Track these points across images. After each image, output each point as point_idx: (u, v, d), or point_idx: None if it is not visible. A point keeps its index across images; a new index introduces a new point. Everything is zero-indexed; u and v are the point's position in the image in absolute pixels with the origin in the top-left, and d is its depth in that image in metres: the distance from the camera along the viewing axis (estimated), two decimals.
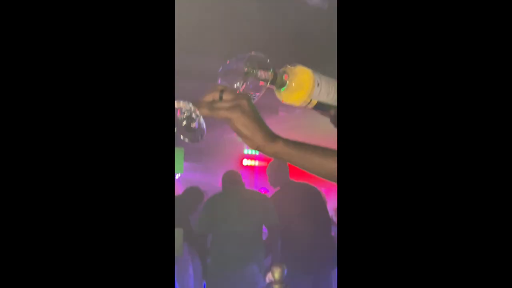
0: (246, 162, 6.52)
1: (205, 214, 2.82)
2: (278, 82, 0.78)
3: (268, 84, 0.77)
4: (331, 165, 0.73)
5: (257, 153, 6.35)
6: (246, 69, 0.74)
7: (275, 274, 1.82)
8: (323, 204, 2.98)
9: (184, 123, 0.70)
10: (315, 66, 0.89)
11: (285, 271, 1.89)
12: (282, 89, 0.80)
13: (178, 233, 2.79)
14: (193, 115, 0.70)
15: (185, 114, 0.69)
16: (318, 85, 0.82)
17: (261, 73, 0.75)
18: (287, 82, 0.80)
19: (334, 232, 3.16)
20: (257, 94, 0.77)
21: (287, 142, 0.72)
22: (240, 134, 0.70)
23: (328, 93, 0.83)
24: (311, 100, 0.82)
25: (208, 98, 0.70)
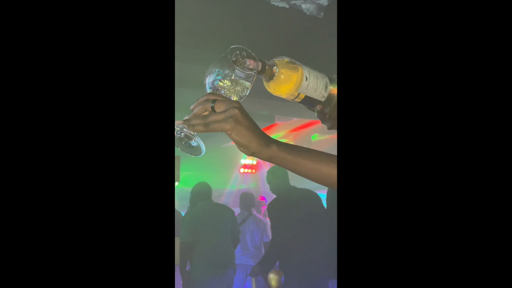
0: (243, 170, 6.54)
1: (185, 225, 3.20)
2: (267, 73, 0.79)
3: (256, 73, 0.77)
4: (325, 170, 0.73)
5: (255, 162, 6.36)
6: (234, 58, 0.74)
7: (272, 281, 1.82)
8: (323, 210, 2.94)
9: (183, 142, 0.73)
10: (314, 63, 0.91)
11: (282, 279, 1.88)
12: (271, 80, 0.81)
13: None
14: (189, 135, 0.72)
15: (182, 134, 0.72)
16: (306, 79, 0.83)
17: (250, 62, 0.75)
18: (276, 74, 0.80)
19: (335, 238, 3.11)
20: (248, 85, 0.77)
21: (281, 146, 0.73)
22: (236, 142, 0.71)
23: (316, 88, 0.85)
24: (298, 94, 0.84)
25: (200, 111, 0.71)
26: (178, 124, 0.70)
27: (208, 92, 0.75)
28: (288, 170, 0.75)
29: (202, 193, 3.39)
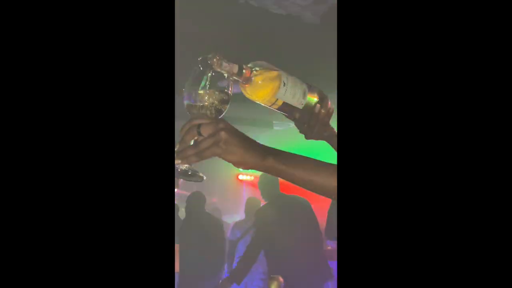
0: (241, 177, 6.51)
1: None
2: (244, 76, 0.77)
3: (232, 75, 0.76)
4: (321, 181, 0.72)
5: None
6: (209, 61, 0.73)
7: (272, 286, 1.82)
8: (313, 217, 2.94)
9: (184, 175, 0.75)
10: (310, 79, 0.90)
11: (283, 285, 1.88)
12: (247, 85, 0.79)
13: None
14: (187, 168, 0.75)
15: (179, 170, 0.74)
16: (284, 84, 0.81)
17: (226, 65, 0.74)
18: (253, 78, 0.78)
19: (325, 245, 3.13)
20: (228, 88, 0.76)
21: (278, 157, 0.72)
22: (231, 162, 0.71)
23: (294, 94, 0.83)
24: (276, 100, 0.82)
25: (189, 139, 0.71)
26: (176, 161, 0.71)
27: (186, 105, 0.75)
28: (285, 180, 0.74)
29: (195, 202, 3.63)
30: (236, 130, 0.71)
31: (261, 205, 3.37)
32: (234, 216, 5.61)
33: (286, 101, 0.83)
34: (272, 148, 0.74)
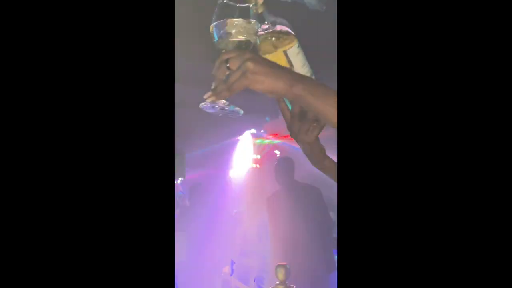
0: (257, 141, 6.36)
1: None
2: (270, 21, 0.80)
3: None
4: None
5: (259, 157, 6.30)
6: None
7: (279, 274, 1.82)
8: (324, 206, 2.98)
9: (221, 113, 0.77)
10: (315, 67, 0.90)
11: (289, 272, 1.88)
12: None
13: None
14: (222, 105, 0.75)
15: (216, 107, 0.75)
16: (298, 46, 0.83)
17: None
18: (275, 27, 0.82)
19: (335, 233, 3.16)
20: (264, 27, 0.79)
21: (306, 86, 0.71)
22: (260, 91, 0.71)
23: (304, 64, 0.85)
24: (286, 60, 0.83)
25: (221, 75, 0.72)
26: (207, 97, 0.72)
27: (215, 41, 0.75)
28: (309, 110, 0.75)
29: (196, 191, 3.75)
30: (264, 59, 0.72)
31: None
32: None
33: (294, 65, 0.84)
34: (301, 75, 0.74)
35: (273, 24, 0.82)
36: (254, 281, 3.70)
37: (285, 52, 0.83)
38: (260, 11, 0.80)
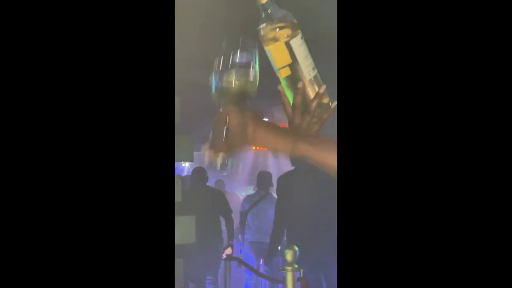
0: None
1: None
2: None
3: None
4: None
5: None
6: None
7: (288, 256, 1.85)
8: (334, 188, 2.92)
9: (222, 169, 0.75)
10: (315, 58, 0.89)
11: (297, 254, 1.91)
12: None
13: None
14: (222, 164, 0.74)
15: (218, 168, 0.74)
16: (302, 37, 0.83)
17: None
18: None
19: None
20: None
21: (307, 145, 0.72)
22: (267, 148, 0.72)
23: (307, 55, 0.84)
24: (289, 50, 0.83)
25: (218, 130, 0.70)
26: (203, 152, 0.71)
27: (213, 92, 0.74)
28: (313, 163, 0.74)
29: (198, 178, 3.74)
30: (262, 120, 0.72)
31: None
32: (246, 189, 5.66)
33: (297, 56, 0.83)
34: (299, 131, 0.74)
35: (276, 15, 0.83)
36: (261, 263, 3.75)
37: (288, 43, 0.83)
38: (263, 1, 0.80)
